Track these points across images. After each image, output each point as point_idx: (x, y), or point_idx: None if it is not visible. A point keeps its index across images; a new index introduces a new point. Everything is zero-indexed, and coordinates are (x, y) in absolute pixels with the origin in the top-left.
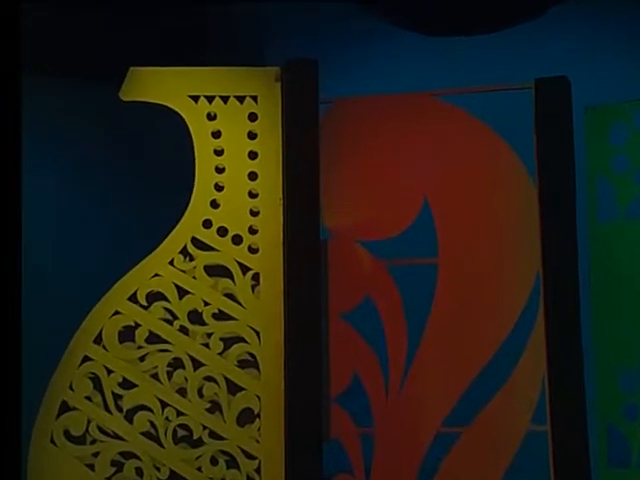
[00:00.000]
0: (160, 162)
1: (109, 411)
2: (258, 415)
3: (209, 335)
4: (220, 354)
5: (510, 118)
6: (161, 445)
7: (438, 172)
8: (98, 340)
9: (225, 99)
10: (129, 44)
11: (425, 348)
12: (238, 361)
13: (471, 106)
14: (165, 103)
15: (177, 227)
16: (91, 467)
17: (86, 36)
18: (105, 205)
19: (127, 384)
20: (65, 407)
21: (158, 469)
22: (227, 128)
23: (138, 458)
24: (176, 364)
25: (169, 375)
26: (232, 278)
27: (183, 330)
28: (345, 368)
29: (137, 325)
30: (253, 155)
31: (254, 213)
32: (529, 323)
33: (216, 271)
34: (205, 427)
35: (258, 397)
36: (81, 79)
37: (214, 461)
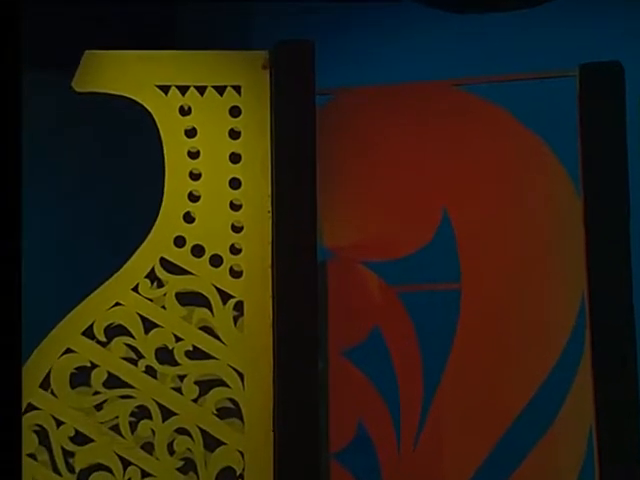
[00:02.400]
0: (132, 164)
1: (58, 472)
2: (241, 476)
3: (181, 378)
4: (195, 401)
5: (548, 112)
6: None
7: (461, 179)
8: (45, 384)
9: (201, 90)
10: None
11: (445, 393)
12: (217, 409)
13: (501, 98)
14: (128, 95)
15: (142, 245)
16: None
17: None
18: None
19: (80, 438)
20: None
21: None
22: (204, 125)
23: None
24: (141, 413)
25: (132, 427)
26: (210, 308)
27: (150, 372)
28: (348, 418)
29: (93, 366)
30: (236, 158)
31: (237, 229)
32: (572, 362)
33: (190, 299)
34: None
35: (241, 453)
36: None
37: None
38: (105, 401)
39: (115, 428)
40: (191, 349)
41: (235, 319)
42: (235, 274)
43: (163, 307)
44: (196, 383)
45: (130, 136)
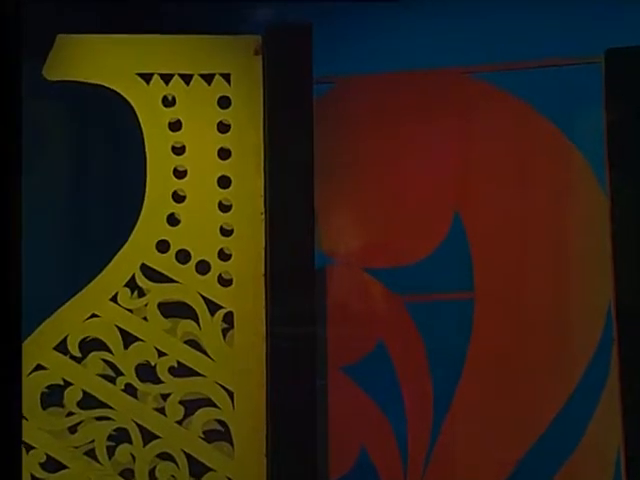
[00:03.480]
0: (110, 160)
1: None
2: None
3: (165, 397)
4: (179, 422)
5: (571, 103)
6: None
7: (474, 178)
8: None
9: (187, 79)
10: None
11: (457, 415)
12: (204, 432)
13: (518, 87)
14: (106, 83)
15: (122, 250)
16: None
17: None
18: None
19: (52, 465)
20: None
21: None
22: (190, 117)
23: None
24: (120, 437)
25: (110, 452)
26: (196, 319)
27: (129, 390)
28: (349, 441)
29: (67, 384)
30: (225, 154)
31: (226, 232)
32: (599, 379)
33: (174, 310)
34: None
35: None
36: None
37: None
38: (80, 423)
39: (91, 453)
40: (175, 365)
41: (224, 332)
42: (224, 282)
43: (144, 319)
44: (181, 403)
45: (108, 129)
